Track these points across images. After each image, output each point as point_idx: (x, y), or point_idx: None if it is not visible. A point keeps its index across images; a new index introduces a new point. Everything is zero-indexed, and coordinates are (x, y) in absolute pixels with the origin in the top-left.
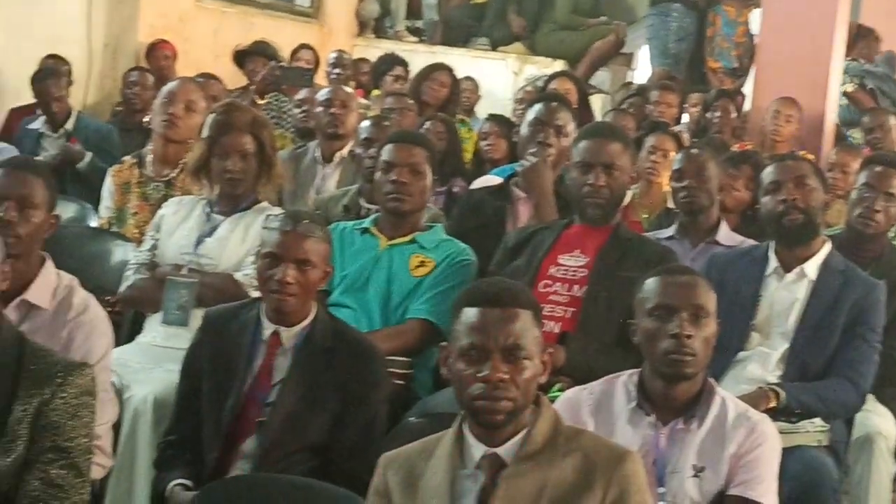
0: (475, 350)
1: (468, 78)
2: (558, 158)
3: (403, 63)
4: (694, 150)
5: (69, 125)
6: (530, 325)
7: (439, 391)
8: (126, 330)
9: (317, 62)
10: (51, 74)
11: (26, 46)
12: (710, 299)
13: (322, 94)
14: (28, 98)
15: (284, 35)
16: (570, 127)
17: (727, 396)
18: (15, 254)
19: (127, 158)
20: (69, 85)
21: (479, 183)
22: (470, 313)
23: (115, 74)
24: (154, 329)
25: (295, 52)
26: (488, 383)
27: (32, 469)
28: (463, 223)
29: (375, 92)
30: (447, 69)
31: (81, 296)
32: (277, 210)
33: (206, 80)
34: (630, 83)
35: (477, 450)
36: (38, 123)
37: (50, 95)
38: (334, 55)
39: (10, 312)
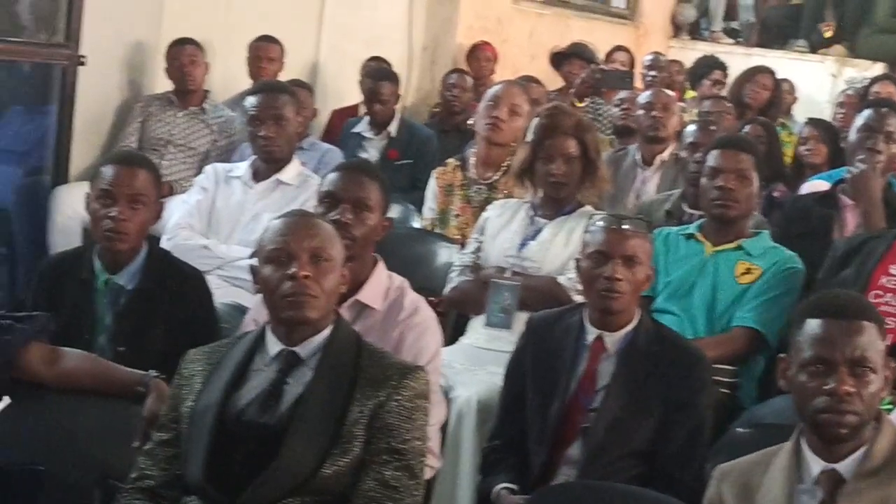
0: (821, 362)
1: (785, 80)
2: (888, 165)
3: (723, 67)
4: None
5: (392, 128)
6: (876, 338)
7: (765, 401)
8: (449, 331)
9: (632, 64)
10: (384, 76)
11: (349, 48)
12: None
13: (643, 97)
14: (350, 99)
15: (599, 36)
16: None
17: None
18: (350, 255)
19: (450, 161)
20: (397, 89)
21: (806, 188)
22: (814, 325)
23: (434, 76)
24: (477, 331)
25: (610, 53)
26: (834, 396)
27: (368, 470)
28: (788, 229)
29: (690, 93)
30: (769, 71)
31: (412, 298)
32: (601, 213)
33: (528, 83)
34: None
35: (815, 465)
36: (361, 126)
37: (378, 97)
38: (650, 57)
39: (344, 312)
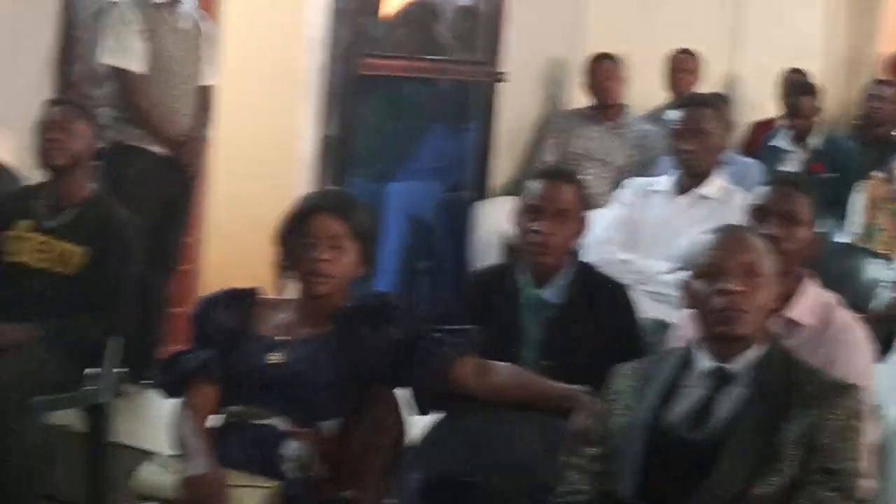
0: None
1: None
2: None
3: None
4: None
5: (813, 141)
6: None
7: None
8: (878, 348)
9: None
10: (805, 89)
11: (766, 60)
12: None
13: None
14: (768, 112)
15: None
16: None
17: None
18: (779, 270)
19: (877, 174)
20: (817, 101)
21: None
22: None
23: (854, 87)
24: None
25: None
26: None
27: (802, 491)
28: None
29: None
30: None
31: (842, 314)
32: None
33: None
34: None
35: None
36: (780, 139)
37: (799, 110)
38: None
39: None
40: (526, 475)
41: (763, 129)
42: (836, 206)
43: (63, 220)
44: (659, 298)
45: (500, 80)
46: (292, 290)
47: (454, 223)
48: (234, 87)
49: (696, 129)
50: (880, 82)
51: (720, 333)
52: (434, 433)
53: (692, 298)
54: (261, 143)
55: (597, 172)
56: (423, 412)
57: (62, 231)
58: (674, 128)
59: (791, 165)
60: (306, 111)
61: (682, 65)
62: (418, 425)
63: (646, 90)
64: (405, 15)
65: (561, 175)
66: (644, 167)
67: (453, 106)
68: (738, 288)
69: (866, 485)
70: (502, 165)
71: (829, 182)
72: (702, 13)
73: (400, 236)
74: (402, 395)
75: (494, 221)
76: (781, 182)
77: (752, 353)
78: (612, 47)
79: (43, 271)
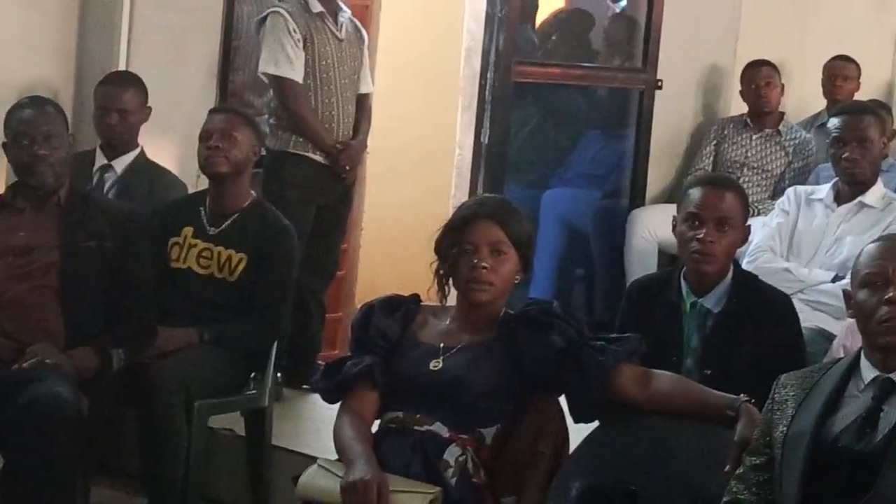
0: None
1: None
2: None
3: None
4: None
5: None
6: None
7: None
8: None
9: None
10: None
11: None
12: None
13: None
14: None
15: None
16: None
17: None
18: None
19: None
20: None
21: None
22: None
23: None
24: None
25: None
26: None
27: None
28: None
29: None
30: None
31: None
32: None
33: None
34: None
35: (870, 373)
36: None
37: None
38: None
39: None
40: (687, 484)
41: None
42: None
43: (224, 228)
44: (819, 307)
45: (658, 87)
46: (452, 298)
47: (610, 230)
48: (390, 96)
49: (857, 137)
50: None
51: (884, 344)
52: (593, 441)
53: (856, 308)
54: (417, 151)
55: (753, 180)
56: (582, 420)
57: (223, 238)
58: (835, 135)
59: None
60: (462, 119)
61: (840, 72)
62: (577, 433)
63: (803, 97)
64: (560, 22)
65: (723, 183)
66: (801, 175)
67: (609, 113)
68: None
69: None
70: (659, 173)
71: None
72: (862, 19)
73: (555, 244)
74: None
75: (650, 229)
76: None
77: None
78: (767, 54)
79: (206, 277)
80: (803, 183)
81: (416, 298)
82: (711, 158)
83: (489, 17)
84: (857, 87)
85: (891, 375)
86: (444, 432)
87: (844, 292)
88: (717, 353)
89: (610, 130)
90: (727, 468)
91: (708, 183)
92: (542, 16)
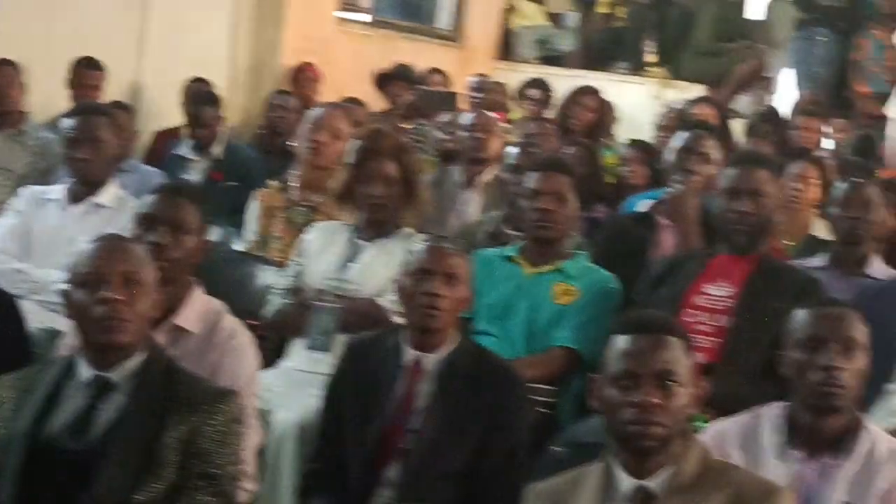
0: (628, 377)
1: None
2: (703, 186)
3: (544, 86)
4: (860, 180)
5: (215, 150)
6: (682, 354)
7: (583, 420)
8: (270, 354)
9: (450, 85)
10: (206, 100)
11: (171, 69)
12: (861, 332)
13: (465, 119)
14: (174, 121)
15: (425, 58)
16: (716, 155)
17: (877, 431)
18: (166, 278)
19: (273, 183)
20: (219, 111)
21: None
22: (621, 340)
23: (258, 97)
24: (298, 354)
25: (427, 75)
26: (640, 408)
27: (181, 496)
28: (606, 250)
29: (515, 115)
30: (594, 92)
31: (229, 321)
32: (422, 236)
33: (351, 105)
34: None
35: (626, 483)
36: (183, 147)
37: (200, 120)
38: (475, 79)
39: (159, 337)
40: None
41: (166, 137)
42: (237, 215)
43: None
44: (52, 308)
45: None
46: None
47: None
48: None
49: (88, 138)
50: (282, 93)
51: (100, 343)
52: None
53: (72, 307)
54: None
55: None
56: None
57: None
58: (67, 136)
59: (194, 174)
60: None
61: (86, 80)
62: None
63: (48, 98)
64: None
65: None
66: (45, 176)
67: None
68: (117, 296)
69: (248, 487)
70: None
71: (229, 190)
72: (106, 19)
73: None
74: None
75: None
76: (167, 190)
77: (133, 362)
78: (11, 53)
79: None
80: (49, 183)
81: None
82: None
83: None
84: (100, 89)
85: (106, 374)
86: None
87: (62, 292)
88: None
89: None
90: None
91: None
92: None
